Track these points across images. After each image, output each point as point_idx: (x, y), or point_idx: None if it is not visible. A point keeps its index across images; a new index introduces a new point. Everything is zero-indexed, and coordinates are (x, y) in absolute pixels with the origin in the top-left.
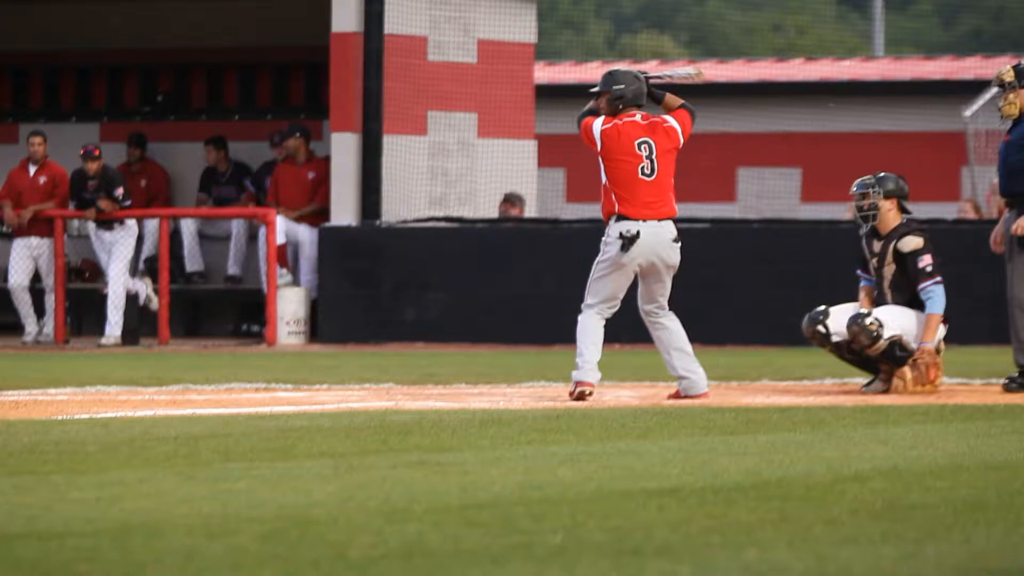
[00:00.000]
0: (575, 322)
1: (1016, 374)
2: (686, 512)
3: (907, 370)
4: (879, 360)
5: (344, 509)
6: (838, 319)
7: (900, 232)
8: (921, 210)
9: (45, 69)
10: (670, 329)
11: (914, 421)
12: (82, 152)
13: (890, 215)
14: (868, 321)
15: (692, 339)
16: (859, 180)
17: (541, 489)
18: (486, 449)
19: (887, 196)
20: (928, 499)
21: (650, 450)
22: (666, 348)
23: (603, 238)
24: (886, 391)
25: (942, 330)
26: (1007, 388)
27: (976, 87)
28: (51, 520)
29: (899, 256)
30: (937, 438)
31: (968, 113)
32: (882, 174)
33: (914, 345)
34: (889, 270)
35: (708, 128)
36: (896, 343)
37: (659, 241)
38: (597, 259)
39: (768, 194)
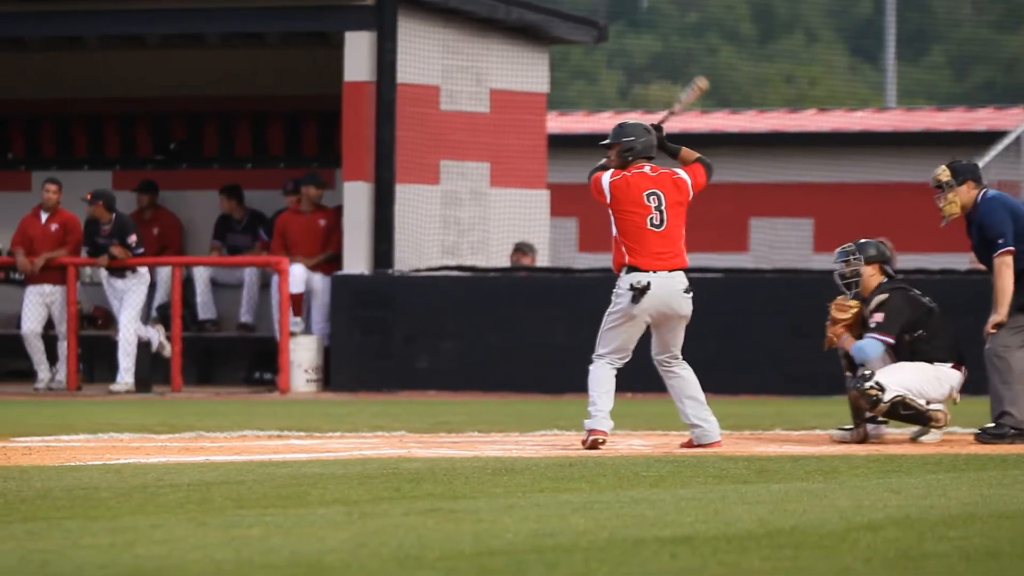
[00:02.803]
0: (587, 371)
1: (991, 424)
2: (699, 560)
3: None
4: (888, 416)
5: (357, 556)
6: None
7: (875, 293)
8: (933, 261)
9: (58, 117)
10: (683, 378)
11: (927, 471)
12: (88, 197)
13: (872, 280)
14: (868, 386)
15: (705, 388)
16: (840, 248)
17: (554, 537)
18: (499, 497)
19: (868, 262)
20: (941, 548)
21: (663, 498)
22: (679, 397)
23: (614, 289)
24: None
25: (959, 378)
26: (978, 439)
27: (988, 138)
28: (64, 566)
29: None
30: (950, 487)
31: (980, 164)
32: (863, 240)
33: (920, 401)
34: None
35: (720, 178)
36: (899, 403)
37: (670, 292)
38: (608, 310)
39: (780, 244)
